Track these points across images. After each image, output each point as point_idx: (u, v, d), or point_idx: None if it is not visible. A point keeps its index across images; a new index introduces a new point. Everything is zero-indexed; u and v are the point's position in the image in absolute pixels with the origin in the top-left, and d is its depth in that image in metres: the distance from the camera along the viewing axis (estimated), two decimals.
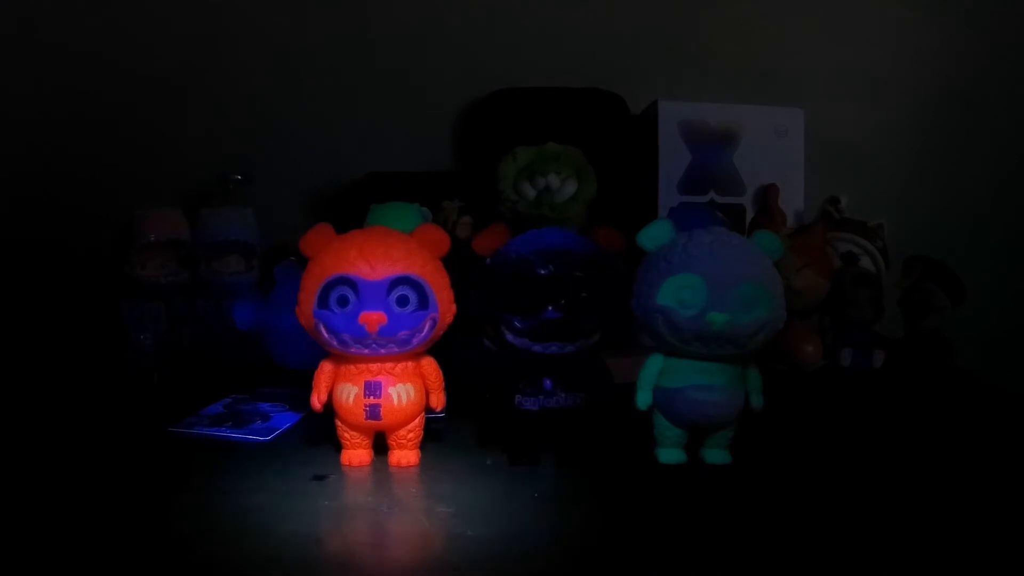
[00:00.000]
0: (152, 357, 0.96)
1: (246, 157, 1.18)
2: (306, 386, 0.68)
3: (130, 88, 1.21)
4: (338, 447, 0.69)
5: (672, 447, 0.68)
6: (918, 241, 1.05)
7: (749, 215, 1.15)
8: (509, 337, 0.67)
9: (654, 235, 0.67)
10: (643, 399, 0.67)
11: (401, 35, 1.24)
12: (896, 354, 0.95)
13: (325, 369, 0.68)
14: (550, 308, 0.65)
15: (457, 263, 0.69)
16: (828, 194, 1.09)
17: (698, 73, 1.27)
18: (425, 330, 0.65)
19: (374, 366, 0.66)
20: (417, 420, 0.68)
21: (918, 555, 0.54)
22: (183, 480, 0.66)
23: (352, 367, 0.67)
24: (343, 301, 0.63)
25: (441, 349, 0.69)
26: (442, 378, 0.69)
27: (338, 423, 0.68)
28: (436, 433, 0.72)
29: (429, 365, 0.69)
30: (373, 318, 0.62)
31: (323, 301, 0.63)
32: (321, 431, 0.70)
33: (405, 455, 0.68)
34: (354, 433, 0.68)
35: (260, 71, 1.23)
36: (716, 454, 0.68)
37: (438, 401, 0.69)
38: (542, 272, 0.66)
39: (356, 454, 0.68)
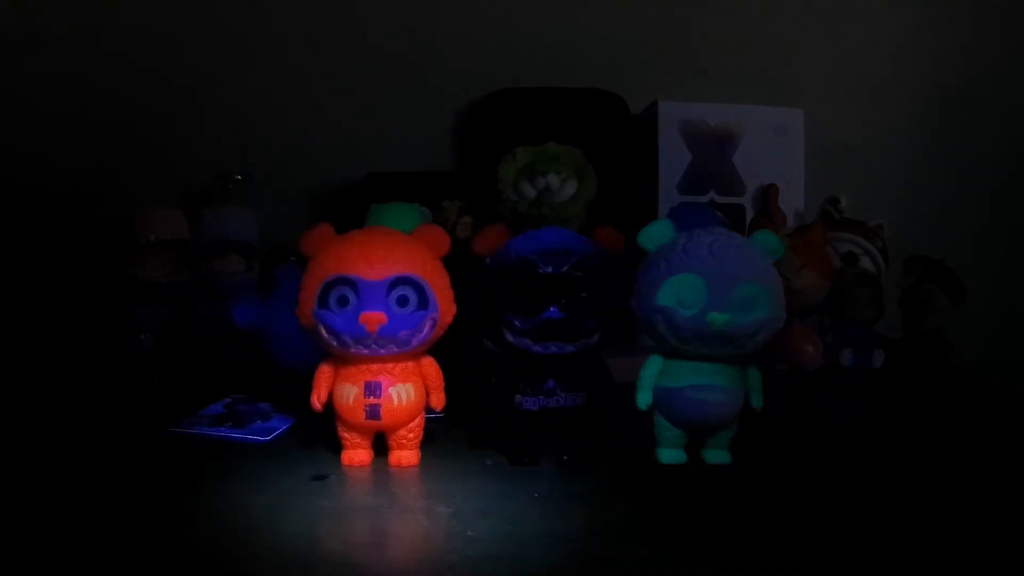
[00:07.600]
0: (152, 357, 0.96)
1: (246, 157, 1.18)
2: (306, 386, 0.68)
3: (130, 88, 1.21)
4: (338, 447, 0.69)
5: (672, 447, 0.68)
6: (918, 241, 1.05)
7: (749, 215, 1.14)
8: (509, 337, 0.67)
9: (654, 235, 0.67)
10: (643, 399, 0.67)
11: (401, 35, 1.24)
12: (896, 354, 0.94)
13: (325, 369, 0.68)
14: (551, 308, 0.65)
15: (457, 263, 0.69)
16: (828, 194, 1.09)
17: (698, 73, 1.27)
18: (425, 330, 0.65)
19: (374, 366, 0.66)
20: (417, 420, 0.68)
21: (918, 555, 0.54)
22: (183, 480, 0.66)
23: (352, 367, 0.67)
24: (343, 301, 0.63)
25: (441, 349, 0.69)
26: (442, 378, 0.69)
27: (338, 423, 0.68)
28: (434, 433, 0.72)
29: (429, 365, 0.69)
30: (373, 318, 0.62)
31: (323, 301, 0.63)
32: (321, 431, 0.70)
33: (405, 455, 0.68)
34: (354, 433, 0.68)
35: (260, 71, 1.23)
36: (716, 454, 0.68)
37: (438, 401, 0.69)
38: (543, 272, 0.66)
39: (356, 454, 0.68)
